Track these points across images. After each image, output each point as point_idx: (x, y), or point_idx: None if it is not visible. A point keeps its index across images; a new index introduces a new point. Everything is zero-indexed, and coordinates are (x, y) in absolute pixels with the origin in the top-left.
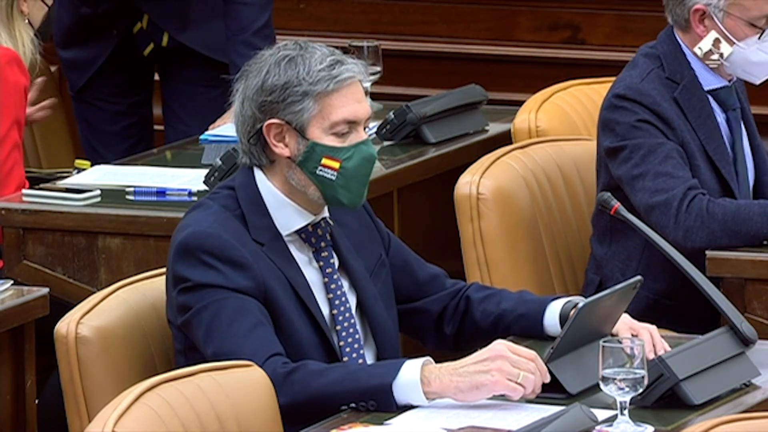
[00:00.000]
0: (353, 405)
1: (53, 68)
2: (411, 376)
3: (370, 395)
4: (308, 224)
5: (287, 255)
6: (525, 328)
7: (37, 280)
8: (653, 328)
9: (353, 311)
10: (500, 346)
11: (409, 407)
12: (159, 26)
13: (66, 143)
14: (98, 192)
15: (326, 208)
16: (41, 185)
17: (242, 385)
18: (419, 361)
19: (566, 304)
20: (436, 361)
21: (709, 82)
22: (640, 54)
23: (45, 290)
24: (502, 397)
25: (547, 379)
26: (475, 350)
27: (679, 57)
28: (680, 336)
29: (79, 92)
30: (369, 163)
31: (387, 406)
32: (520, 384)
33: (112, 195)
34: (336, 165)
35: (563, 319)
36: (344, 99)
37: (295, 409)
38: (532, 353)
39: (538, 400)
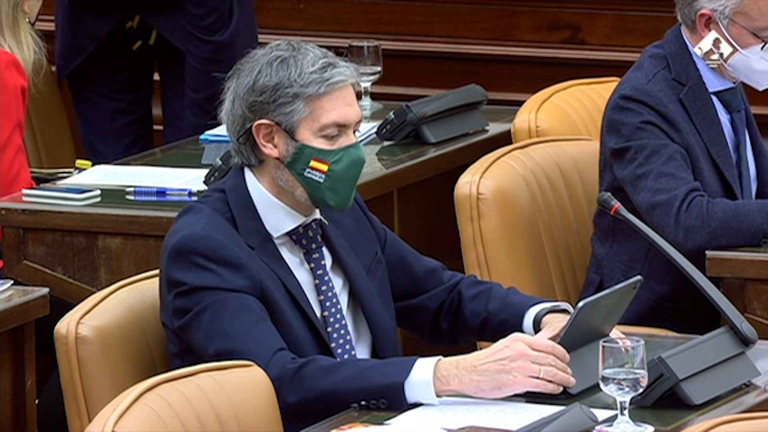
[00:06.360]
0: (363, 402)
1: (54, 68)
2: (423, 376)
3: (382, 394)
4: (298, 226)
5: (278, 257)
6: (507, 334)
7: (37, 280)
8: None
9: (345, 312)
10: (519, 344)
11: (412, 406)
12: (149, 25)
13: (67, 143)
14: (98, 192)
15: (317, 210)
16: (42, 185)
17: (242, 385)
18: (432, 360)
19: (540, 311)
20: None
21: (714, 83)
22: (646, 55)
23: (45, 290)
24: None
25: (567, 359)
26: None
27: (686, 58)
28: (680, 336)
29: (79, 88)
30: (357, 166)
31: (398, 404)
32: (543, 379)
33: (112, 195)
34: (324, 168)
35: (536, 325)
36: (335, 102)
37: (305, 406)
38: (549, 344)
39: (538, 400)
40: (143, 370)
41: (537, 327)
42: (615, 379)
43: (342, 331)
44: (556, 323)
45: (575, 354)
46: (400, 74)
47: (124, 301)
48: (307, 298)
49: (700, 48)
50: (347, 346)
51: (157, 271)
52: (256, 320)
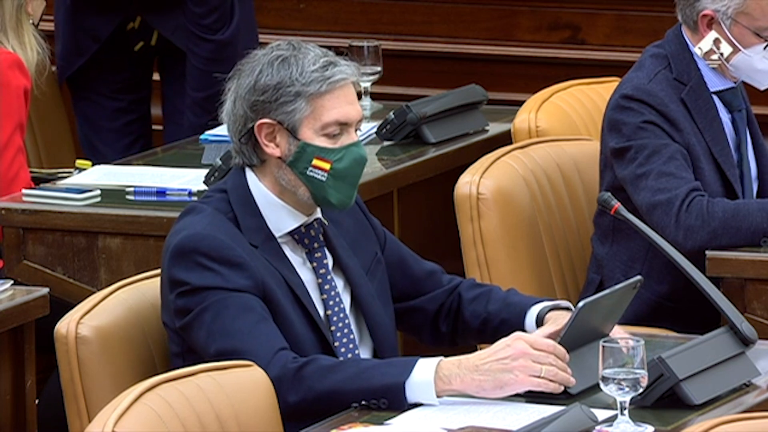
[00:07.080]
0: (364, 402)
1: (54, 68)
2: (425, 376)
3: (382, 394)
4: (300, 225)
5: (282, 256)
6: (508, 334)
7: (37, 280)
8: None
9: (348, 311)
10: (521, 343)
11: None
12: (150, 26)
13: (67, 143)
14: (98, 192)
15: (318, 209)
16: (42, 185)
17: (242, 385)
18: (433, 360)
19: (543, 309)
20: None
21: (715, 83)
22: (646, 55)
23: (45, 290)
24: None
25: (567, 359)
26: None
27: (687, 57)
28: (680, 336)
29: (79, 88)
30: (359, 164)
31: (398, 404)
32: (545, 378)
33: (112, 195)
34: (326, 166)
35: (539, 323)
36: (336, 101)
37: (305, 405)
38: (549, 344)
39: (538, 400)
40: (143, 370)
41: (540, 325)
42: (615, 379)
43: (345, 330)
44: (560, 320)
45: (575, 354)
46: (400, 74)
47: (124, 301)
48: (310, 297)
49: (700, 48)
50: (351, 345)
51: (157, 271)
52: (257, 320)
